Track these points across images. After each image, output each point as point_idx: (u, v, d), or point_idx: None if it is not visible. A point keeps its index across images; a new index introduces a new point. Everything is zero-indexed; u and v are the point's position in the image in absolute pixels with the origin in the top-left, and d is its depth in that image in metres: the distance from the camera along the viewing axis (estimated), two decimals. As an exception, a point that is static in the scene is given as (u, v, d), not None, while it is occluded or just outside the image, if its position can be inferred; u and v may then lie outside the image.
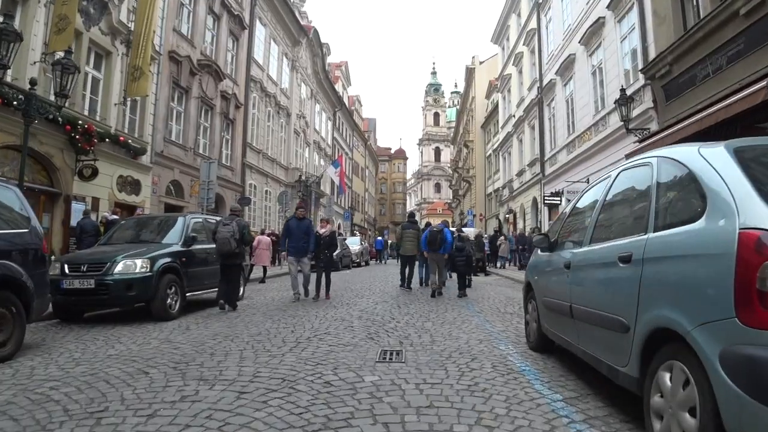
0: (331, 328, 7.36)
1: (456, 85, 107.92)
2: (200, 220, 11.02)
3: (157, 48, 20.08)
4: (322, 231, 11.99)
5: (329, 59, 53.05)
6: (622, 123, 15.28)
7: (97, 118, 16.89)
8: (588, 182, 20.30)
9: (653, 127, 14.86)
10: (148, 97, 19.62)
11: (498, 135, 44.39)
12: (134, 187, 18.86)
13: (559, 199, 22.93)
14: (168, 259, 8.87)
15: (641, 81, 15.68)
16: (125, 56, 18.03)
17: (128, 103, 18.61)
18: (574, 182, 20.51)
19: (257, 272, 18.28)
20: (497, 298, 12.03)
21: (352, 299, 11.43)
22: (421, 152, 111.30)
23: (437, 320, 8.20)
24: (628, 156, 14.18)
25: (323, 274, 11.83)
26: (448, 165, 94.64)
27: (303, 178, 30.45)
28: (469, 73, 60.01)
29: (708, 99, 11.98)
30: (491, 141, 49.38)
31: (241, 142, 28.17)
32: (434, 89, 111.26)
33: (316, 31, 42.24)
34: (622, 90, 15.10)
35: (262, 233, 18.22)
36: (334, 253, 13.82)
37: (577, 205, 5.06)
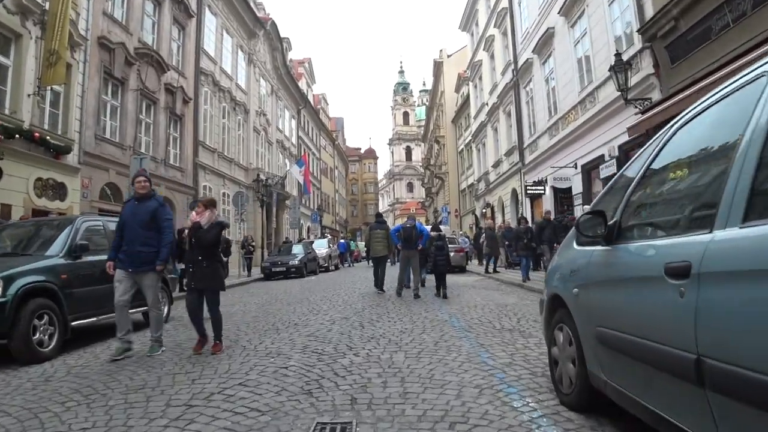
0: (253, 372, 4.97)
1: (424, 84, 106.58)
2: (98, 223, 8.51)
3: (83, 33, 17.49)
4: (195, 220, 6.53)
5: (291, 55, 50.59)
6: (620, 93, 13.15)
7: (6, 112, 14.27)
8: (576, 167, 18.29)
9: (655, 96, 12.78)
10: (73, 89, 17.05)
11: (470, 127, 42.46)
12: (58, 191, 16.24)
13: (542, 188, 20.89)
14: (36, 278, 6.36)
15: (637, 45, 13.61)
16: (40, 39, 15.39)
17: (47, 95, 15.97)
18: (561, 168, 18.40)
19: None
20: (486, 306, 9.76)
21: (304, 316, 9.04)
22: (392, 152, 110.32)
23: (412, 348, 5.88)
24: (630, 129, 12.11)
25: (200, 304, 6.55)
26: (420, 164, 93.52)
27: (262, 177, 27.78)
28: (437, 67, 58.11)
29: (728, 54, 9.94)
30: (463, 135, 47.59)
31: (191, 140, 25.56)
32: (402, 88, 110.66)
33: (274, 24, 39.70)
34: (618, 55, 12.98)
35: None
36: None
37: (661, 154, 2.77)
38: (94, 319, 7.46)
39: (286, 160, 43.24)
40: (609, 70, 13.13)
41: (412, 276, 12.48)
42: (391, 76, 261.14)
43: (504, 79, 27.25)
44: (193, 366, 5.42)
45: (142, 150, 21.43)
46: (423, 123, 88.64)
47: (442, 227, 19.38)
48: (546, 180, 20.84)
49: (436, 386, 4.26)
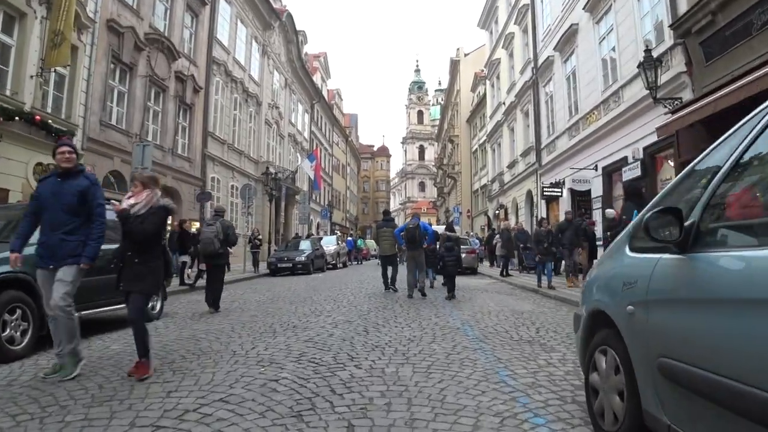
0: (238, 385, 4.32)
1: (440, 83, 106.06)
2: None
3: (92, 15, 16.97)
4: (129, 203, 5.05)
5: (306, 49, 50.03)
6: (648, 92, 12.43)
7: (7, 93, 13.77)
8: (596, 169, 17.54)
9: (686, 95, 12.04)
10: (79, 72, 16.56)
11: (485, 127, 41.72)
12: (59, 177, 15.71)
13: (559, 190, 20.17)
14: (8, 267, 5.76)
15: (668, 42, 12.87)
16: (45, 20, 14.87)
17: (50, 77, 15.47)
18: (580, 169, 17.68)
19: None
20: (500, 312, 9.09)
21: (305, 318, 8.41)
22: (405, 151, 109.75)
23: (421, 361, 5.22)
24: (660, 129, 11.39)
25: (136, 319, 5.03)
26: (433, 164, 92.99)
27: (271, 170, 27.22)
28: (454, 65, 57.42)
29: (772, 50, 9.26)
30: (477, 135, 46.96)
31: (200, 130, 25.04)
32: (418, 87, 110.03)
33: (290, 15, 39.14)
34: (647, 50, 12.25)
35: (212, 231, 15.14)
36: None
37: (764, 135, 2.09)
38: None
39: (298, 155, 42.68)
40: (638, 67, 12.40)
41: (417, 275, 12.12)
42: (406, 74, 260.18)
43: (523, 78, 26.50)
44: (173, 374, 4.81)
45: (149, 138, 20.91)
46: (437, 123, 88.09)
47: (455, 228, 18.78)
48: (563, 182, 20.12)
49: (448, 412, 3.61)
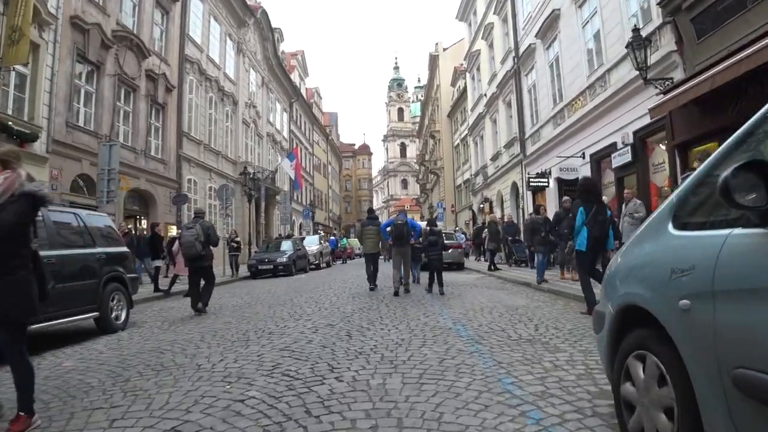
0: (197, 408, 3.65)
1: (419, 80, 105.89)
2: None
3: (53, 10, 16.13)
4: None
5: (283, 46, 49.23)
6: (637, 73, 11.92)
7: (-40, 93, 12.97)
8: (584, 156, 17.02)
9: (677, 75, 11.53)
10: (42, 71, 15.71)
11: (467, 120, 41.23)
12: (22, 182, 14.87)
13: (546, 180, 19.65)
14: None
15: (656, 21, 12.35)
16: (2, 15, 14.06)
17: (10, 76, 14.67)
18: (567, 158, 17.16)
19: (180, 284, 14.51)
20: (493, 309, 8.49)
21: (283, 322, 7.74)
22: (386, 148, 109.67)
23: (411, 368, 4.58)
24: (652, 111, 10.86)
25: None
26: (414, 161, 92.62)
27: (249, 170, 26.41)
28: (433, 60, 56.95)
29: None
30: (459, 130, 46.55)
31: (175, 130, 24.19)
32: (397, 84, 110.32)
33: (264, 12, 38.31)
34: (636, 30, 11.73)
35: (185, 234, 14.40)
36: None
37: None
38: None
39: (278, 155, 41.85)
40: (626, 47, 11.88)
41: (402, 271, 11.81)
42: (385, 72, 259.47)
43: (504, 68, 25.97)
44: (123, 396, 4.13)
45: (120, 140, 20.07)
46: (418, 119, 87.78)
47: (437, 223, 18.23)
48: (550, 171, 19.61)
49: (447, 437, 2.98)
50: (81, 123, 17.79)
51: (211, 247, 9.95)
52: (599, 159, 15.98)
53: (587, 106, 16.31)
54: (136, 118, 21.06)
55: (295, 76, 51.42)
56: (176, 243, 14.07)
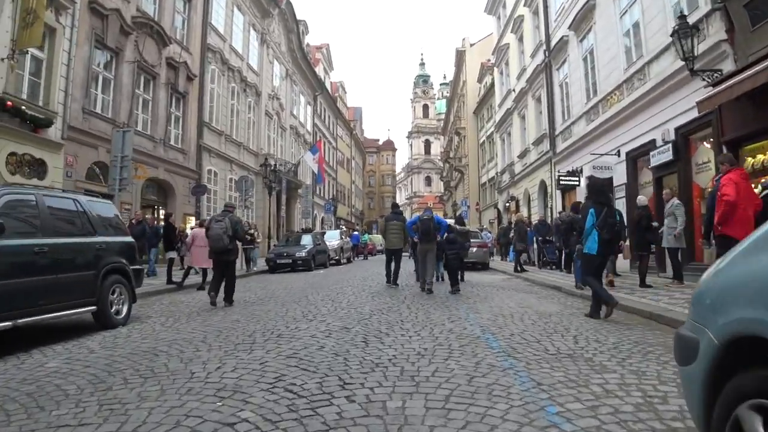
0: (176, 433, 3.07)
1: (445, 77, 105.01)
2: (30, 197, 6.51)
3: (72, -6, 15.72)
4: None
5: (308, 39, 48.70)
6: (681, 65, 11.11)
7: (-27, 76, 12.58)
8: (619, 154, 16.17)
9: (727, 66, 10.65)
10: (58, 56, 15.30)
11: (493, 117, 40.40)
12: (36, 168, 14.52)
13: (576, 179, 18.81)
14: None
15: (703, 8, 11.47)
16: (16, -2, 13.65)
17: (26, 60, 14.27)
18: (601, 155, 16.31)
19: (194, 278, 14.02)
20: (524, 315, 7.77)
21: (295, 323, 7.11)
22: (411, 145, 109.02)
23: (436, 389, 3.90)
24: (701, 104, 10.03)
25: None
26: (439, 158, 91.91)
27: (270, 162, 25.86)
28: (459, 56, 56.09)
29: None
30: (485, 127, 45.72)
31: (195, 120, 23.77)
32: (423, 80, 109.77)
33: (289, 3, 37.77)
34: (682, 17, 10.88)
35: (201, 225, 13.88)
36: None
37: None
38: (9, 323, 5.58)
39: (301, 148, 41.36)
40: (671, 35, 11.02)
41: (428, 269, 11.49)
42: (411, 67, 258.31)
43: (534, 62, 25.09)
44: (98, 410, 3.53)
45: (139, 128, 19.68)
46: (442, 117, 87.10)
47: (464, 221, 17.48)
48: (581, 170, 18.75)
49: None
50: (98, 110, 17.41)
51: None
52: (636, 157, 15.12)
53: (624, 101, 15.44)
54: (156, 107, 20.65)
55: (319, 70, 50.90)
56: (189, 234, 13.59)
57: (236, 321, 7.46)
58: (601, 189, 7.85)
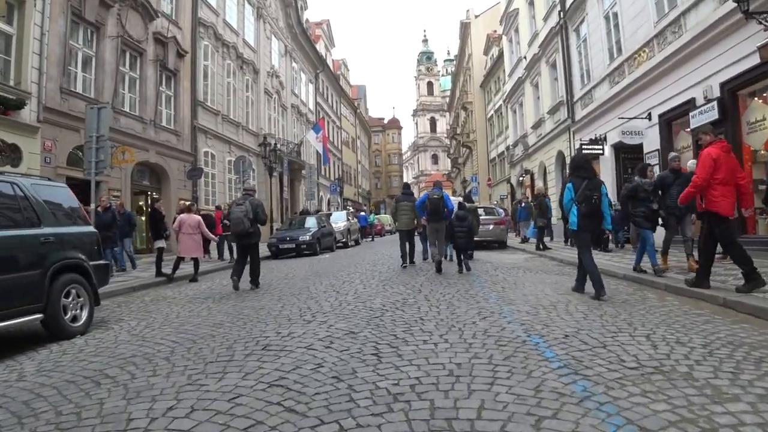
0: None
1: (449, 53, 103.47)
2: (7, 187, 5.27)
3: (42, -38, 14.27)
4: None
5: (307, 15, 46.94)
6: (730, 10, 9.61)
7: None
8: (650, 118, 14.65)
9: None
10: (29, 31, 13.91)
11: (502, 89, 38.78)
12: (9, 154, 13.22)
13: (600, 147, 17.30)
14: None
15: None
16: (-24, -37, 12.25)
17: (-9, 34, 12.91)
18: (630, 119, 14.81)
19: (186, 268, 12.73)
20: (569, 305, 6.38)
21: (288, 327, 5.71)
22: (416, 123, 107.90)
23: (471, 417, 2.58)
24: (763, 49, 8.55)
25: None
26: (445, 135, 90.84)
27: (269, 141, 24.33)
28: (464, 28, 54.23)
29: None
30: (492, 101, 44.15)
31: (189, 99, 22.34)
32: (426, 57, 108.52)
33: (286, -25, 36.09)
34: (733, -50, 9.35)
35: (188, 210, 12.52)
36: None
37: None
38: None
39: (303, 127, 39.81)
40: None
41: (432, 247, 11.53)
42: (414, 45, 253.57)
43: (547, 25, 23.42)
44: None
45: (126, 108, 18.29)
46: (448, 94, 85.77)
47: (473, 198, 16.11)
48: (605, 137, 17.26)
49: None
50: (79, 89, 16.03)
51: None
52: (670, 120, 13.62)
53: (655, 59, 13.91)
54: (144, 85, 19.21)
55: (320, 47, 49.14)
56: (176, 222, 12.27)
57: (219, 325, 6.11)
58: (582, 164, 7.43)
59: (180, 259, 12.40)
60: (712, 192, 6.27)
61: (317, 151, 37.82)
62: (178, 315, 7.14)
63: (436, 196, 11.15)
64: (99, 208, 12.63)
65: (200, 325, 6.14)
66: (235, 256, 12.83)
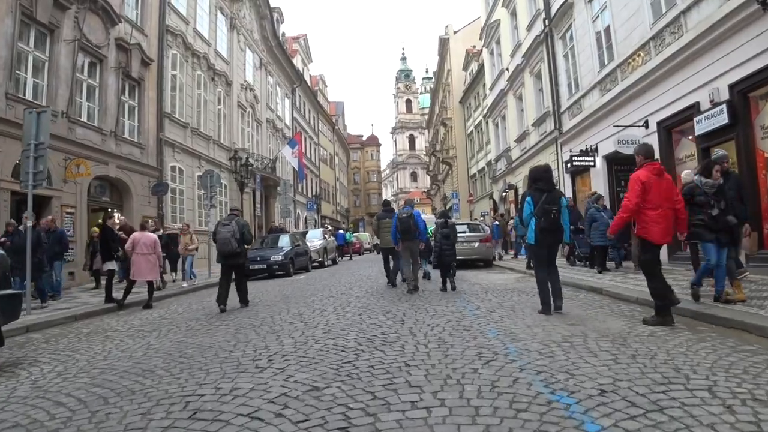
0: None
1: (427, 71, 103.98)
2: None
3: (-14, -43, 12.98)
4: None
5: (284, 29, 45.85)
6: (734, 7, 8.61)
7: None
8: (646, 126, 13.66)
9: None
10: (-31, 30, 12.56)
11: (482, 103, 38.00)
12: (-59, 166, 11.81)
13: (591, 158, 16.30)
14: None
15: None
16: None
17: None
18: (625, 127, 13.83)
19: (139, 291, 11.35)
20: (587, 339, 5.21)
21: (235, 374, 4.45)
22: (395, 141, 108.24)
23: None
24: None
25: None
26: (424, 153, 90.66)
27: (240, 155, 22.93)
28: (443, 44, 53.67)
29: None
30: (472, 116, 43.54)
31: (155, 110, 21.00)
32: (405, 75, 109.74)
33: (260, -14, 34.97)
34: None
35: (143, 228, 11.18)
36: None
37: None
38: None
39: (279, 143, 38.46)
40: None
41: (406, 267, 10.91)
42: (392, 62, 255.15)
43: (531, 34, 22.52)
44: None
45: (83, 118, 16.91)
46: (426, 111, 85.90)
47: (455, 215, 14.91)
48: (596, 148, 16.26)
49: None
50: (28, 96, 14.66)
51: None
52: (670, 127, 12.63)
53: (651, 62, 12.96)
54: (104, 94, 17.85)
55: (297, 61, 48.01)
56: (129, 241, 10.93)
57: (149, 372, 4.79)
58: (541, 175, 7.15)
59: (132, 283, 11.03)
60: (642, 217, 5.95)
61: (294, 168, 36.54)
62: (107, 356, 5.81)
63: (404, 215, 10.76)
64: (10, 228, 11.19)
65: (126, 373, 4.83)
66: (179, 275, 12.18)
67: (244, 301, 10.03)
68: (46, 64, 15.48)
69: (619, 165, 15.72)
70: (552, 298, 7.02)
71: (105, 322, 8.88)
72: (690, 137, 11.85)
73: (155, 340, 6.63)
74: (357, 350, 5.17)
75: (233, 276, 10.17)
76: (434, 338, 5.55)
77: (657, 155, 12.66)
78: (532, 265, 14.11)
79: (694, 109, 11.28)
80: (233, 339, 6.24)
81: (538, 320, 6.48)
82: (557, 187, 8.60)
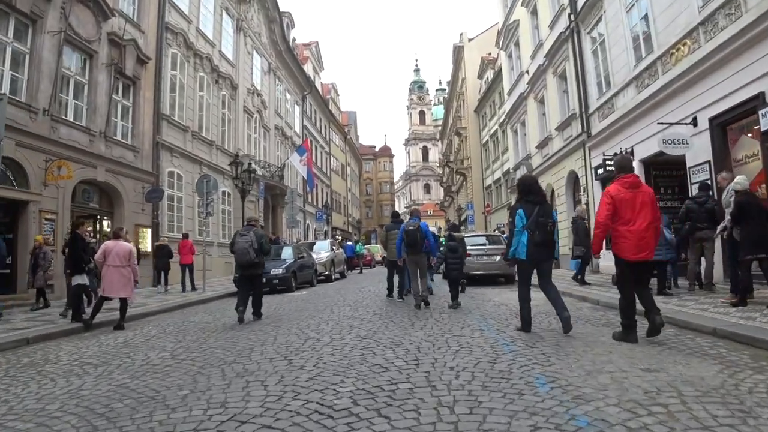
0: None
1: (441, 82, 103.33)
2: None
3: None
4: None
5: (295, 34, 44.64)
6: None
7: None
8: (695, 123, 11.99)
9: None
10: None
11: (497, 112, 36.54)
12: None
13: (626, 164, 14.52)
14: None
15: None
16: None
17: None
18: (670, 124, 12.19)
19: (109, 310, 9.84)
20: (669, 393, 3.63)
21: (231, 406, 2.95)
22: (408, 152, 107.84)
23: None
24: None
25: None
26: (437, 164, 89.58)
27: (241, 161, 21.33)
28: (458, 52, 52.39)
29: None
30: (488, 126, 42.22)
31: (151, 112, 19.64)
32: (418, 87, 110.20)
33: (269, -12, 33.73)
34: None
35: (116, 236, 9.71)
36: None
37: None
38: None
39: (288, 151, 37.04)
40: None
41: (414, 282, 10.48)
42: (405, 74, 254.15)
43: (554, 32, 20.93)
44: None
45: (68, 117, 15.55)
46: (440, 123, 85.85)
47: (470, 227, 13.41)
48: (631, 151, 14.59)
49: None
50: (5, 90, 13.26)
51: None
52: (725, 123, 10.96)
53: (700, 51, 11.34)
54: (93, 92, 16.51)
55: (308, 68, 46.71)
56: (100, 251, 9.46)
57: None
58: (531, 187, 6.90)
59: (103, 300, 9.53)
60: (614, 232, 5.86)
61: (304, 177, 35.08)
62: (21, 401, 4.28)
63: (411, 227, 10.31)
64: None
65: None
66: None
67: (257, 313, 9.83)
68: (27, 57, 14.14)
69: (658, 169, 14.07)
70: (558, 318, 6.62)
71: (58, 348, 7.36)
72: (750, 134, 10.20)
73: (92, 380, 5.08)
74: (349, 417, 3.52)
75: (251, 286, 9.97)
76: (462, 394, 3.92)
77: (709, 156, 11.10)
78: (580, 279, 12.61)
79: (758, 101, 9.61)
80: (189, 384, 4.66)
81: (598, 362, 4.83)
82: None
